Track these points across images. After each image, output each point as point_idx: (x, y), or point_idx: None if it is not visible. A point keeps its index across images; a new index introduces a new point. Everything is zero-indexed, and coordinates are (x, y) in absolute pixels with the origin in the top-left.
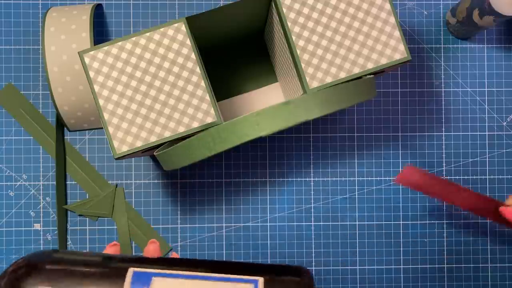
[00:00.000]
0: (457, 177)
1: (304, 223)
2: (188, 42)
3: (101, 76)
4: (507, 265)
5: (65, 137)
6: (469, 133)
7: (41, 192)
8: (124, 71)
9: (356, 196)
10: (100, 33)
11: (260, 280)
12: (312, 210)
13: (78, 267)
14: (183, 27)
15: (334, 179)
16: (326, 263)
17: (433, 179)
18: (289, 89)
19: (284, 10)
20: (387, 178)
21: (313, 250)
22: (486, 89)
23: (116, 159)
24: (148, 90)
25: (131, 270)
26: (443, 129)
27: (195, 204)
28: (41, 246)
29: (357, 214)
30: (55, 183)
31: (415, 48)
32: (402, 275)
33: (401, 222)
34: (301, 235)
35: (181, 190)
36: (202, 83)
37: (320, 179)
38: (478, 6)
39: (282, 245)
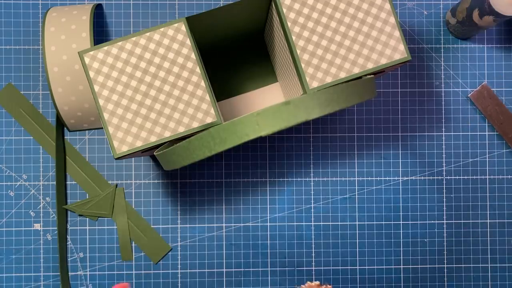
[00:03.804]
0: (457, 177)
1: (304, 223)
2: (188, 42)
3: (101, 76)
4: (507, 265)
5: (65, 137)
6: (469, 133)
7: (41, 192)
8: (124, 71)
9: (356, 196)
10: (100, 33)
11: None
12: (312, 210)
13: None
14: (183, 27)
15: (334, 179)
16: (326, 263)
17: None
18: (289, 89)
19: (284, 10)
20: (387, 178)
21: (313, 250)
22: None
23: (116, 159)
24: (148, 90)
25: None
26: (443, 129)
27: (195, 204)
28: (41, 246)
29: (357, 214)
30: (55, 183)
31: (415, 48)
32: (402, 275)
33: (401, 222)
34: (301, 235)
35: (181, 190)
36: (202, 83)
37: (320, 179)
38: (478, 6)
39: (282, 245)
